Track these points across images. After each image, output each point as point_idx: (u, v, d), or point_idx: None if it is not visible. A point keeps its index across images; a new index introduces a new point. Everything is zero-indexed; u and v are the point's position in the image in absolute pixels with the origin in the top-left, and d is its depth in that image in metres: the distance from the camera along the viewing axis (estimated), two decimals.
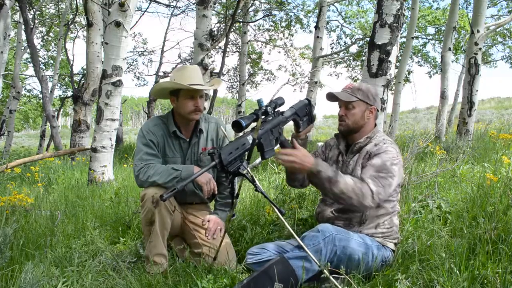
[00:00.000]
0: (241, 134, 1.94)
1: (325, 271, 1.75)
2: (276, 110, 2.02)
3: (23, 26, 8.69)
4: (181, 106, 2.25)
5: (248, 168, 1.89)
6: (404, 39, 10.73)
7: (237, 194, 1.92)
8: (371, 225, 2.04)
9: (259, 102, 1.92)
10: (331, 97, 2.15)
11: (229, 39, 11.23)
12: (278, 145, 2.12)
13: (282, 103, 2.06)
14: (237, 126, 1.79)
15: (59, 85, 15.56)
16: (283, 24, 14.32)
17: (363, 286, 1.89)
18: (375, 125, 2.19)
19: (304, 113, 2.16)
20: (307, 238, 1.87)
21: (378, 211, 2.05)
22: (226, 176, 1.87)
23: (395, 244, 2.11)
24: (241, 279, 2.03)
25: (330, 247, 1.86)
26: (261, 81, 16.54)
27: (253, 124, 1.88)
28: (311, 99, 2.31)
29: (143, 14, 12.67)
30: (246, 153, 1.86)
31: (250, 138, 1.87)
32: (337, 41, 14.94)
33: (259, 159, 4.80)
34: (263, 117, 1.93)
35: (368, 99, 2.10)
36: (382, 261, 2.02)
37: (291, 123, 2.15)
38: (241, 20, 11.79)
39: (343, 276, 1.80)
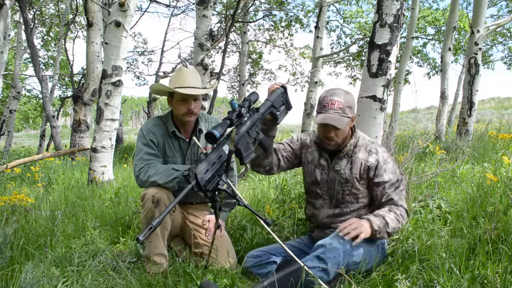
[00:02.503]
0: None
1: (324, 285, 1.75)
2: (251, 108, 1.91)
3: (23, 26, 8.69)
4: (175, 108, 2.26)
5: (229, 181, 1.79)
6: (404, 39, 10.73)
7: (219, 207, 1.79)
8: None
9: (232, 103, 1.81)
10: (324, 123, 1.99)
11: (229, 39, 11.22)
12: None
13: (257, 99, 1.96)
14: (211, 138, 1.66)
15: (59, 85, 15.56)
16: (283, 24, 14.32)
17: (363, 286, 1.89)
18: (354, 126, 2.13)
19: (280, 103, 2.06)
20: (328, 250, 1.85)
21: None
22: (205, 195, 1.72)
23: None
24: (241, 279, 2.03)
25: (346, 259, 1.87)
26: (261, 80, 16.56)
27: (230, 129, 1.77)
28: (286, 86, 2.09)
29: (143, 14, 12.67)
30: (225, 164, 1.74)
31: (226, 148, 1.76)
32: (337, 41, 14.95)
33: None
34: (237, 119, 1.82)
35: (353, 112, 2.03)
36: (379, 252, 2.06)
37: None
38: (241, 20, 11.79)
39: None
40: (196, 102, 2.23)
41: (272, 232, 1.81)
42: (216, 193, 1.74)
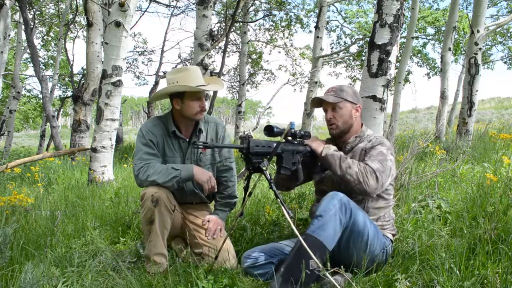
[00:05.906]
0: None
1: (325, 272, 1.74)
2: (302, 139, 2.11)
3: (23, 26, 8.69)
4: (187, 108, 2.25)
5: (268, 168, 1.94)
6: (404, 39, 10.73)
7: (250, 192, 1.96)
8: (372, 218, 2.06)
9: (291, 124, 2.01)
10: (316, 103, 2.20)
11: (229, 39, 11.22)
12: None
13: (309, 136, 2.15)
14: (268, 130, 1.93)
15: (59, 85, 15.56)
16: (283, 24, 14.31)
17: (363, 286, 1.89)
18: (362, 124, 2.24)
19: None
20: (322, 206, 1.85)
21: (378, 203, 2.08)
22: (246, 166, 1.92)
23: (393, 235, 2.15)
24: (241, 279, 2.03)
25: (344, 208, 1.85)
26: (261, 81, 16.53)
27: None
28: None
29: (143, 14, 12.66)
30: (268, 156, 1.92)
31: (276, 144, 1.94)
32: (337, 41, 14.93)
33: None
34: (290, 138, 2.06)
35: (352, 98, 2.15)
36: (383, 248, 2.03)
37: None
38: (241, 20, 11.79)
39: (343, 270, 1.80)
40: (204, 99, 2.31)
41: (292, 224, 1.81)
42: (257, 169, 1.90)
